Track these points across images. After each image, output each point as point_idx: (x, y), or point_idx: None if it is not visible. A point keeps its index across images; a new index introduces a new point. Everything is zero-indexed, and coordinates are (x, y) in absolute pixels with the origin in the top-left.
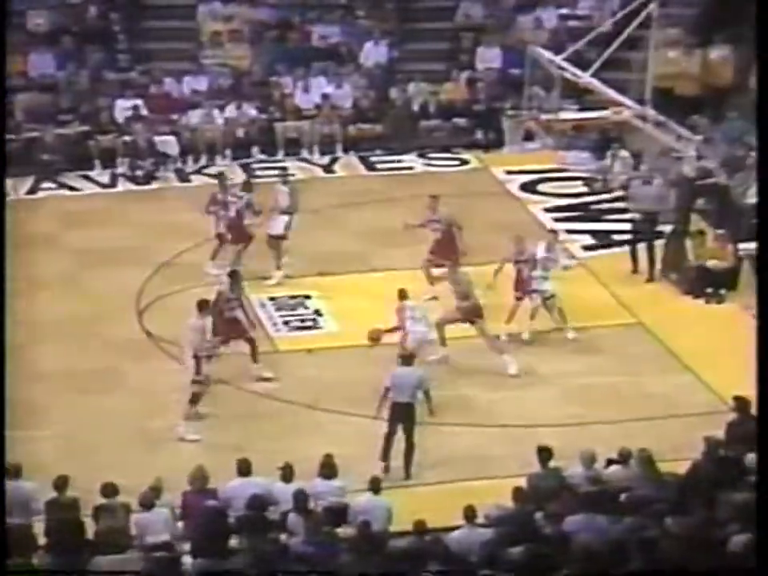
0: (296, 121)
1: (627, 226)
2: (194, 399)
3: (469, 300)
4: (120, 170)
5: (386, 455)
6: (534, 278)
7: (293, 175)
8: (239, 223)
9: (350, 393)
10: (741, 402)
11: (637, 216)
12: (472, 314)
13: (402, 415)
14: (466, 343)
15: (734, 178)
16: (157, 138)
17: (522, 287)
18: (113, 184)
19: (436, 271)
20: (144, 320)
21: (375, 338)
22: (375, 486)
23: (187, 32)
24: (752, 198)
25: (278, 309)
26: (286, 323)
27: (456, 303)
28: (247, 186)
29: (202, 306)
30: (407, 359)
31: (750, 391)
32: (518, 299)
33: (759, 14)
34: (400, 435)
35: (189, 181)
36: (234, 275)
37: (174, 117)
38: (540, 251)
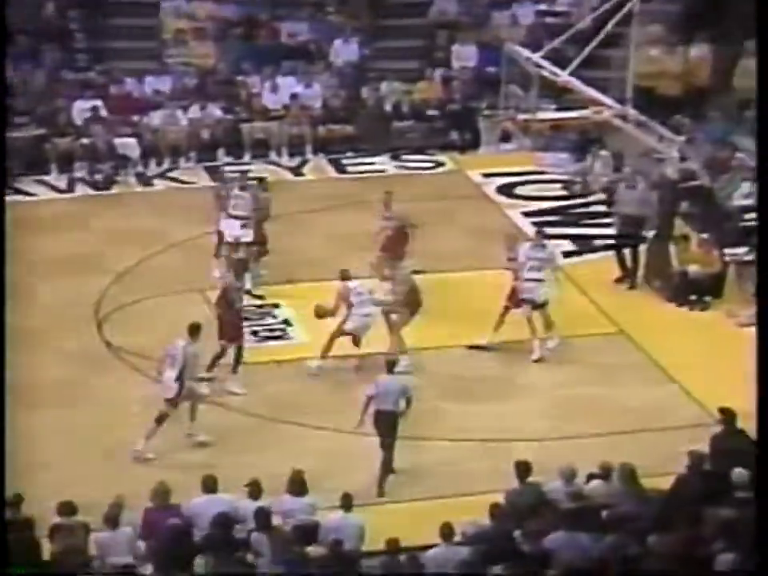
0: (263, 122)
1: (608, 231)
2: (161, 419)
3: (397, 294)
4: (78, 174)
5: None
6: (525, 282)
7: (257, 179)
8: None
9: (320, 406)
10: (727, 414)
11: (621, 221)
12: (401, 305)
13: (385, 423)
14: (440, 353)
15: (718, 180)
16: (117, 141)
17: (515, 294)
18: (70, 189)
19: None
20: (104, 330)
21: (320, 314)
22: (347, 503)
23: (149, 30)
24: (737, 201)
25: (245, 318)
26: (253, 333)
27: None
28: (264, 184)
29: (194, 330)
30: (391, 367)
31: (736, 402)
32: (506, 308)
33: (759, 14)
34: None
35: (151, 185)
36: (238, 264)
37: (136, 118)
38: (522, 254)
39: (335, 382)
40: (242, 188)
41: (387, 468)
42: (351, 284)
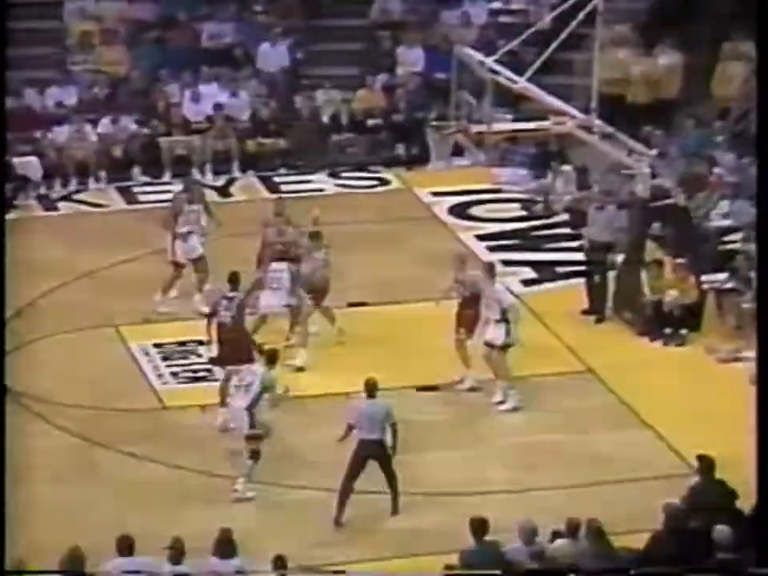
0: (184, 135)
1: (573, 256)
2: (254, 456)
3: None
4: None
5: (341, 506)
6: (488, 321)
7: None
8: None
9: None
10: (705, 462)
11: (589, 245)
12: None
13: (375, 453)
14: (386, 396)
15: (694, 198)
16: (15, 160)
17: (469, 325)
18: None
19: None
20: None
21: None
22: (280, 566)
23: (51, 34)
24: (715, 221)
25: (165, 358)
26: (174, 374)
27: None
28: (279, 207)
29: (272, 358)
30: (371, 390)
31: (717, 448)
32: (460, 340)
33: (759, 14)
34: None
35: (55, 209)
36: (233, 277)
37: (37, 134)
38: (471, 287)
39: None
40: (190, 201)
41: (396, 484)
42: (276, 265)
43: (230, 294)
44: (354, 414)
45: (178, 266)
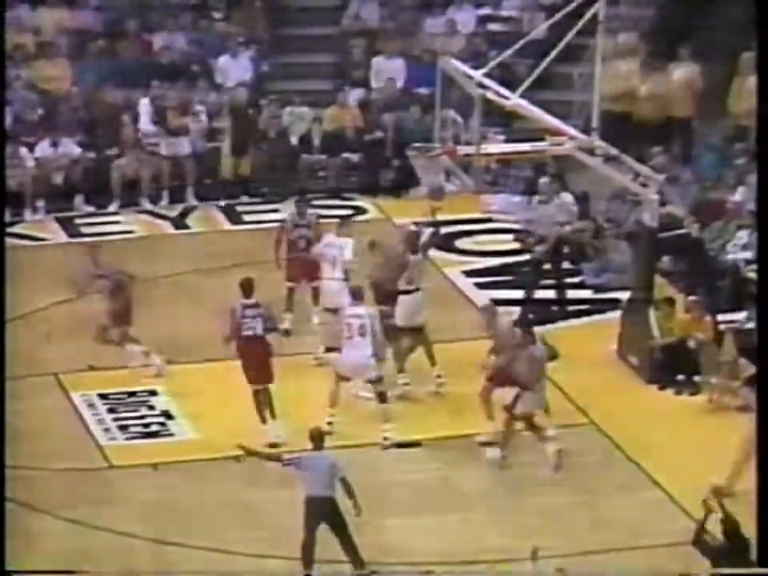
0: (136, 159)
1: (571, 294)
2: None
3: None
4: None
5: (308, 563)
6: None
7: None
8: None
9: (209, 521)
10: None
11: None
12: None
13: (324, 513)
14: (361, 453)
15: (709, 228)
16: None
17: (501, 374)
18: None
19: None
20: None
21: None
22: None
23: None
24: (733, 254)
25: (112, 410)
26: (122, 429)
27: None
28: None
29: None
30: (318, 440)
31: (738, 509)
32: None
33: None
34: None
35: None
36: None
37: None
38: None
39: (228, 490)
40: None
41: (356, 553)
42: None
43: (249, 302)
44: (297, 468)
45: None
